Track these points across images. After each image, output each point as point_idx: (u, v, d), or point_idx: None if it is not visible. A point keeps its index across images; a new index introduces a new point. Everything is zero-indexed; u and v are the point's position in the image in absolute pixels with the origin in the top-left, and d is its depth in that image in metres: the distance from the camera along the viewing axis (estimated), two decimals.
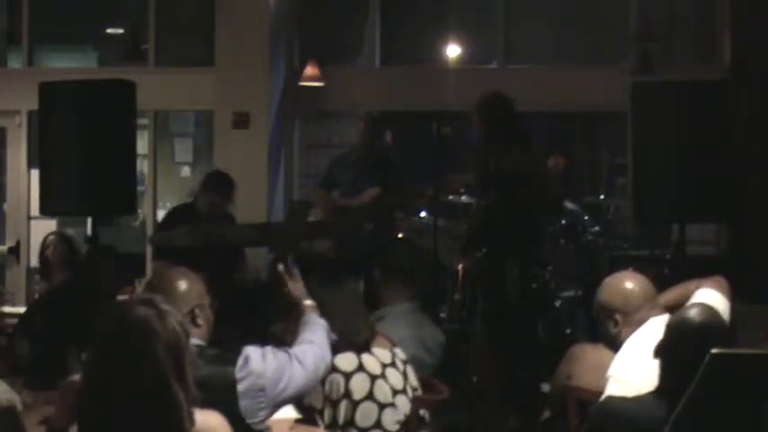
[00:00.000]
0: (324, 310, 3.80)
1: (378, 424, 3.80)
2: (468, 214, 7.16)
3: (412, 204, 7.34)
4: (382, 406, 3.82)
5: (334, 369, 3.77)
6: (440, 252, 6.84)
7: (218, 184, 6.76)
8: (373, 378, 3.83)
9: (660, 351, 3.37)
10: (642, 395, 3.37)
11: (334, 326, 3.80)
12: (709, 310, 3.43)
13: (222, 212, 6.76)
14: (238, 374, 3.15)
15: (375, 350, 3.91)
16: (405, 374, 3.96)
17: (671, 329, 3.39)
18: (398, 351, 4.02)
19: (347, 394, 3.77)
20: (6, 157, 9.51)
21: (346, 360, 3.82)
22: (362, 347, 3.89)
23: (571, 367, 4.04)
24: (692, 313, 3.37)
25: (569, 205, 7.45)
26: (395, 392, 3.87)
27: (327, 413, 3.76)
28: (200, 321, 3.30)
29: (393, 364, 3.94)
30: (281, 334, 4.19)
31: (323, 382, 3.74)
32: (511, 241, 6.39)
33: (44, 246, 6.00)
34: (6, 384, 3.02)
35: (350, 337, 3.87)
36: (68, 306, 4.75)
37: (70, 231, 7.80)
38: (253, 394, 3.16)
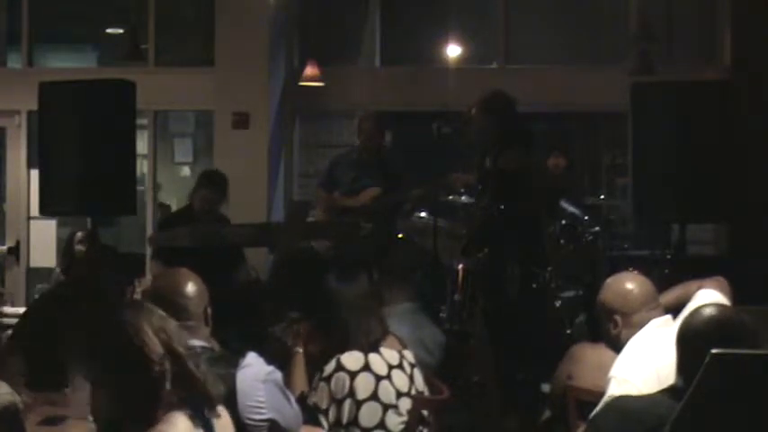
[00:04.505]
0: (338, 308, 3.85)
1: (381, 425, 3.79)
2: (468, 214, 7.14)
3: (412, 204, 7.30)
4: (386, 407, 3.81)
5: (339, 367, 3.77)
6: (440, 252, 6.82)
7: (211, 182, 6.76)
8: (378, 378, 3.81)
9: (681, 349, 3.25)
10: (654, 393, 3.34)
11: (347, 323, 3.83)
12: (728, 310, 3.32)
13: (217, 212, 6.76)
14: (239, 373, 3.17)
15: (383, 350, 3.89)
16: (411, 377, 3.94)
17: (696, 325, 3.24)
18: (407, 353, 4.00)
19: (351, 393, 3.76)
20: (6, 157, 9.51)
21: (353, 359, 3.81)
22: (371, 347, 3.88)
23: (571, 367, 4.04)
24: (708, 311, 3.24)
25: (569, 206, 7.43)
26: (399, 395, 3.86)
27: (332, 412, 3.76)
28: (209, 321, 3.35)
29: (400, 366, 3.92)
30: (281, 334, 4.20)
31: (328, 380, 3.75)
32: (511, 241, 6.38)
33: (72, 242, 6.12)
34: (7, 386, 3.01)
35: (361, 336, 3.87)
36: (68, 306, 4.74)
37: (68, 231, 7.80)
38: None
